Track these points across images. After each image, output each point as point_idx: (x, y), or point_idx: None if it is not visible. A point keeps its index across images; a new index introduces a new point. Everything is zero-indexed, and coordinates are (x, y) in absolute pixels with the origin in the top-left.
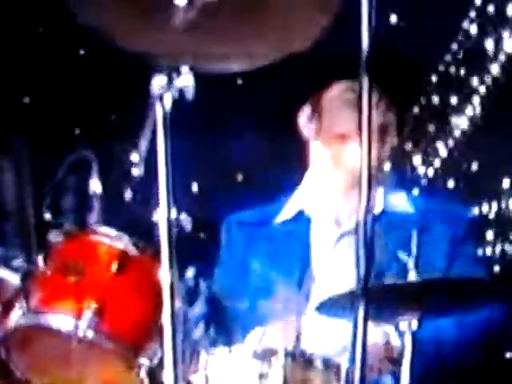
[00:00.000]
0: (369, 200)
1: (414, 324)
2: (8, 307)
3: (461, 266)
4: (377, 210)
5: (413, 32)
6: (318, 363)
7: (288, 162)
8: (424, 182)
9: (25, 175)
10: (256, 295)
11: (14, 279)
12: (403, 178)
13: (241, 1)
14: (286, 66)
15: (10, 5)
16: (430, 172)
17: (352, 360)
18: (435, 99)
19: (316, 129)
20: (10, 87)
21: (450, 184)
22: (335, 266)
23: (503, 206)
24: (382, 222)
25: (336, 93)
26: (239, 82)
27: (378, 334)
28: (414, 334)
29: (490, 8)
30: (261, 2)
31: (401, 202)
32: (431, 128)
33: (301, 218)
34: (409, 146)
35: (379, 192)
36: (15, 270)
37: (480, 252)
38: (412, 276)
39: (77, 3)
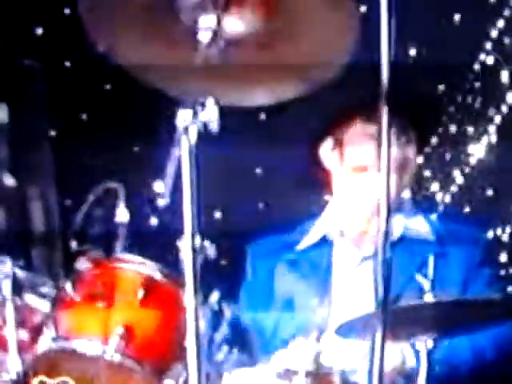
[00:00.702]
0: (387, 226)
1: (430, 343)
2: (37, 333)
3: (477, 287)
4: (395, 234)
5: (431, 64)
6: (337, 382)
7: (309, 192)
8: (441, 207)
9: (52, 204)
10: (279, 318)
11: (42, 305)
12: (421, 204)
13: (264, 36)
14: (308, 100)
15: (38, 41)
16: (447, 198)
17: (370, 378)
18: (452, 129)
19: (338, 160)
20: (38, 120)
21: (466, 209)
22: (356, 289)
23: None
24: (401, 246)
25: (358, 126)
26: (262, 116)
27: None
28: (429, 353)
29: (506, 40)
30: (283, 37)
31: (419, 226)
32: (448, 156)
33: (324, 243)
34: (427, 173)
35: (398, 217)
36: (44, 296)
37: (495, 274)
38: (428, 298)
39: (103, 41)
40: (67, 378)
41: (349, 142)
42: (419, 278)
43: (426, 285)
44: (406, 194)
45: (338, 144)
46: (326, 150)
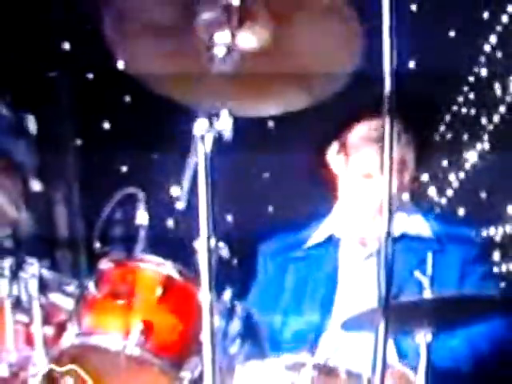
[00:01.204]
0: (389, 225)
1: (429, 337)
2: (62, 329)
3: (473, 283)
4: (396, 233)
5: (429, 76)
6: (342, 373)
7: (316, 194)
8: (438, 209)
9: (76, 208)
10: (288, 313)
11: (67, 303)
12: (420, 206)
13: (274, 50)
14: (314, 107)
15: (64, 55)
16: (444, 201)
17: (373, 370)
18: (448, 136)
19: (343, 163)
20: (64, 130)
21: (461, 211)
22: (361, 285)
23: (508, 230)
24: (402, 244)
25: (361, 131)
26: (270, 124)
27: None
28: (428, 346)
29: (499, 54)
30: (292, 51)
31: (419, 225)
32: (445, 162)
33: (331, 242)
34: (425, 177)
35: (399, 217)
36: (68, 294)
37: (489, 271)
38: (427, 294)
39: (125, 56)
40: (84, 370)
41: (352, 144)
42: (418, 274)
43: (425, 281)
44: (406, 196)
45: (343, 147)
46: (332, 154)
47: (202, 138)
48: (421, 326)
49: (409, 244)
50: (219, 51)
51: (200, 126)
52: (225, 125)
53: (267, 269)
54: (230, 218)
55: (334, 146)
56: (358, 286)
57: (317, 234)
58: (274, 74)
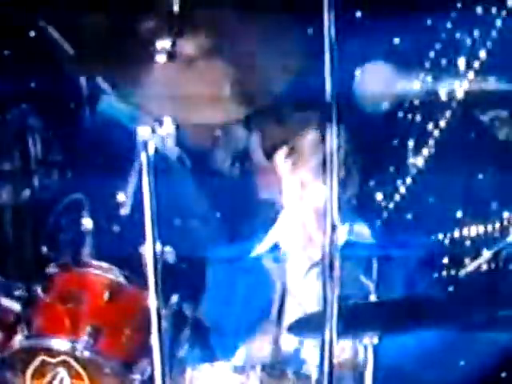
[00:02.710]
0: (333, 233)
1: (375, 339)
2: (11, 332)
3: (421, 287)
4: (341, 241)
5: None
6: (291, 375)
7: (263, 202)
8: (385, 214)
9: (25, 214)
10: (239, 320)
11: (15, 307)
12: (367, 212)
13: (214, 59)
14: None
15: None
16: (391, 206)
17: (321, 371)
18: (395, 142)
19: (290, 167)
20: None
21: (409, 216)
22: (309, 292)
23: (455, 234)
24: (347, 251)
25: (309, 138)
26: (218, 133)
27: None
28: (375, 348)
29: (443, 61)
30: (233, 60)
31: (363, 232)
32: (392, 167)
33: (277, 250)
34: (372, 183)
35: (344, 225)
36: (17, 298)
37: (437, 275)
38: (373, 298)
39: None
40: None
41: (300, 151)
42: (364, 279)
43: (371, 286)
44: (352, 203)
45: (291, 153)
46: (281, 158)
47: (145, 144)
48: (367, 329)
49: (354, 250)
50: (160, 58)
51: (142, 133)
52: (168, 131)
53: (217, 278)
54: (177, 223)
55: (284, 150)
56: (306, 293)
57: (263, 243)
58: (214, 83)
